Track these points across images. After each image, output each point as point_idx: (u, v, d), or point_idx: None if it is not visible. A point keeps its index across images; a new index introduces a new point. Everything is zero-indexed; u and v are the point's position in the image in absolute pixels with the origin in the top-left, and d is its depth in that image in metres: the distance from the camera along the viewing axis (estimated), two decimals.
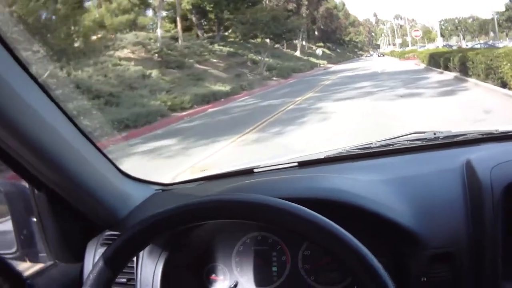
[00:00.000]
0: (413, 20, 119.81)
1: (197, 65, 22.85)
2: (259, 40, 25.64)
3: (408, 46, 66.33)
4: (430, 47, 40.52)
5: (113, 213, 0.97)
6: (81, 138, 0.86)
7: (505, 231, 0.79)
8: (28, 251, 1.01)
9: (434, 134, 1.19)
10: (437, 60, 18.13)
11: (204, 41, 29.51)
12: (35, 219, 0.94)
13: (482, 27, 69.32)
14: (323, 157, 1.16)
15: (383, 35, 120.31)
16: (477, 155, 0.95)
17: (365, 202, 0.86)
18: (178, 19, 26.58)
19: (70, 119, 0.83)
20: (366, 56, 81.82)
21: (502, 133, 1.12)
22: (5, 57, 0.67)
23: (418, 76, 16.63)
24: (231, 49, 30.22)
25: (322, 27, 57.62)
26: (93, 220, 0.96)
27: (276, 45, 45.54)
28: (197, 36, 30.05)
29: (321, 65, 43.36)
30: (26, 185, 0.91)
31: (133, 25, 31.60)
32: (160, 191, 1.15)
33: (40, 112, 0.74)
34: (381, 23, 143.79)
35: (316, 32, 62.75)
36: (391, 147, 1.15)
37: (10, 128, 0.69)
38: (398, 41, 67.78)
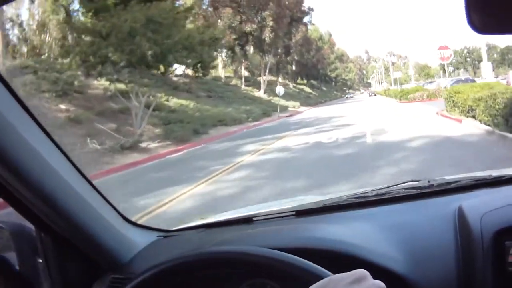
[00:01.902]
0: (406, 57, 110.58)
1: None
2: (137, 67, 12.76)
3: (408, 82, 54.29)
4: (442, 82, 28.28)
5: (117, 258, 1.04)
6: (86, 185, 0.95)
7: (496, 276, 0.82)
8: None
9: (428, 181, 1.22)
10: None
11: (77, 73, 17.19)
12: (40, 260, 1.00)
13: (504, 56, 57.90)
14: (320, 206, 1.22)
15: (375, 72, 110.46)
16: (469, 202, 0.99)
17: (361, 251, 0.92)
18: None
19: (76, 167, 0.92)
20: (347, 97, 66.86)
21: (495, 178, 1.15)
22: (20, 113, 0.78)
23: None
24: (123, 86, 17.79)
25: (296, 57, 45.27)
26: (97, 263, 1.03)
27: (239, 83, 32.72)
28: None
29: (290, 108, 31.09)
30: (32, 226, 0.96)
31: None
32: (162, 237, 1.21)
33: (50, 163, 0.84)
34: (372, 60, 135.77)
35: (293, 66, 50.86)
36: (386, 196, 1.20)
37: (23, 178, 0.79)
38: (397, 74, 51.90)
